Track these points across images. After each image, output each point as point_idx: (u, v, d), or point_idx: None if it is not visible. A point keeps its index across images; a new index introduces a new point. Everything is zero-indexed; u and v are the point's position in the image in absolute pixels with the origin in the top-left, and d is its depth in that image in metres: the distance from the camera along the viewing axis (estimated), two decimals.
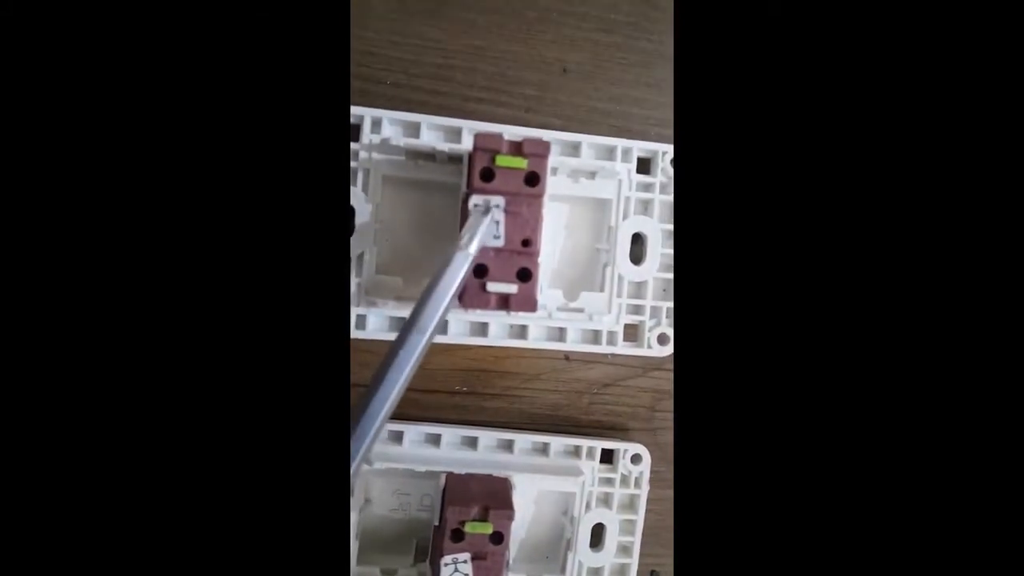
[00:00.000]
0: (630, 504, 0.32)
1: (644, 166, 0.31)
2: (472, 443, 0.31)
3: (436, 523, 0.28)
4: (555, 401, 0.33)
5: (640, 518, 0.32)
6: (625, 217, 0.30)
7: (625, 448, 0.32)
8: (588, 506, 0.31)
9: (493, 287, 0.25)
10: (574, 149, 0.30)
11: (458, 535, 0.27)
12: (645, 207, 0.31)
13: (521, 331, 0.31)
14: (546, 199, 0.26)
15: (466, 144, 0.28)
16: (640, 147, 0.30)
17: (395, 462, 0.30)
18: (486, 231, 0.25)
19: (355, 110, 0.29)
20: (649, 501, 0.32)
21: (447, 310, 0.22)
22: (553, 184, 0.30)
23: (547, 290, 0.30)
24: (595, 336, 0.31)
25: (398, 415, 0.31)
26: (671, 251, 0.31)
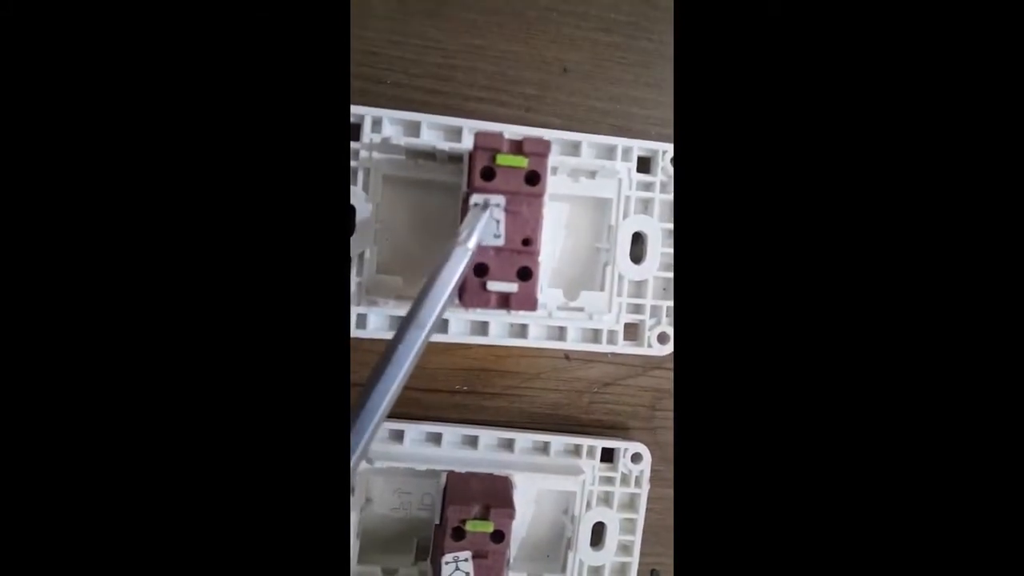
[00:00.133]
0: (630, 503, 0.32)
1: (644, 165, 0.31)
2: (473, 442, 0.31)
3: (437, 522, 0.28)
4: (555, 400, 0.33)
5: (640, 517, 0.32)
6: (625, 216, 0.30)
7: (625, 447, 0.32)
8: (589, 505, 0.31)
9: (493, 286, 0.25)
10: (574, 148, 0.30)
11: (459, 534, 0.27)
12: (645, 206, 0.31)
13: (521, 330, 0.31)
14: (546, 198, 0.26)
15: (466, 143, 0.28)
16: (640, 146, 0.30)
17: (396, 461, 0.30)
18: (484, 227, 0.25)
19: (355, 109, 0.29)
20: (649, 500, 0.32)
21: (446, 306, 0.22)
22: (553, 183, 0.30)
23: (547, 289, 0.30)
24: (595, 335, 0.31)
25: (399, 414, 0.31)
26: (671, 250, 0.31)
